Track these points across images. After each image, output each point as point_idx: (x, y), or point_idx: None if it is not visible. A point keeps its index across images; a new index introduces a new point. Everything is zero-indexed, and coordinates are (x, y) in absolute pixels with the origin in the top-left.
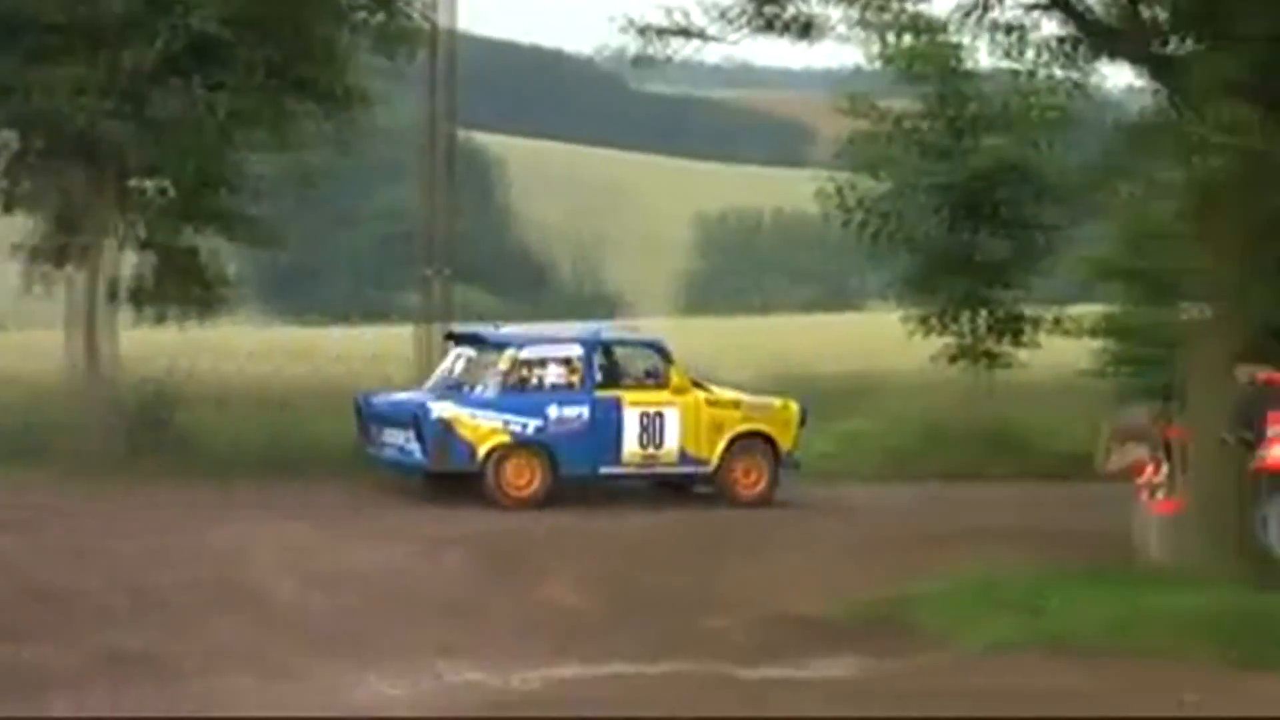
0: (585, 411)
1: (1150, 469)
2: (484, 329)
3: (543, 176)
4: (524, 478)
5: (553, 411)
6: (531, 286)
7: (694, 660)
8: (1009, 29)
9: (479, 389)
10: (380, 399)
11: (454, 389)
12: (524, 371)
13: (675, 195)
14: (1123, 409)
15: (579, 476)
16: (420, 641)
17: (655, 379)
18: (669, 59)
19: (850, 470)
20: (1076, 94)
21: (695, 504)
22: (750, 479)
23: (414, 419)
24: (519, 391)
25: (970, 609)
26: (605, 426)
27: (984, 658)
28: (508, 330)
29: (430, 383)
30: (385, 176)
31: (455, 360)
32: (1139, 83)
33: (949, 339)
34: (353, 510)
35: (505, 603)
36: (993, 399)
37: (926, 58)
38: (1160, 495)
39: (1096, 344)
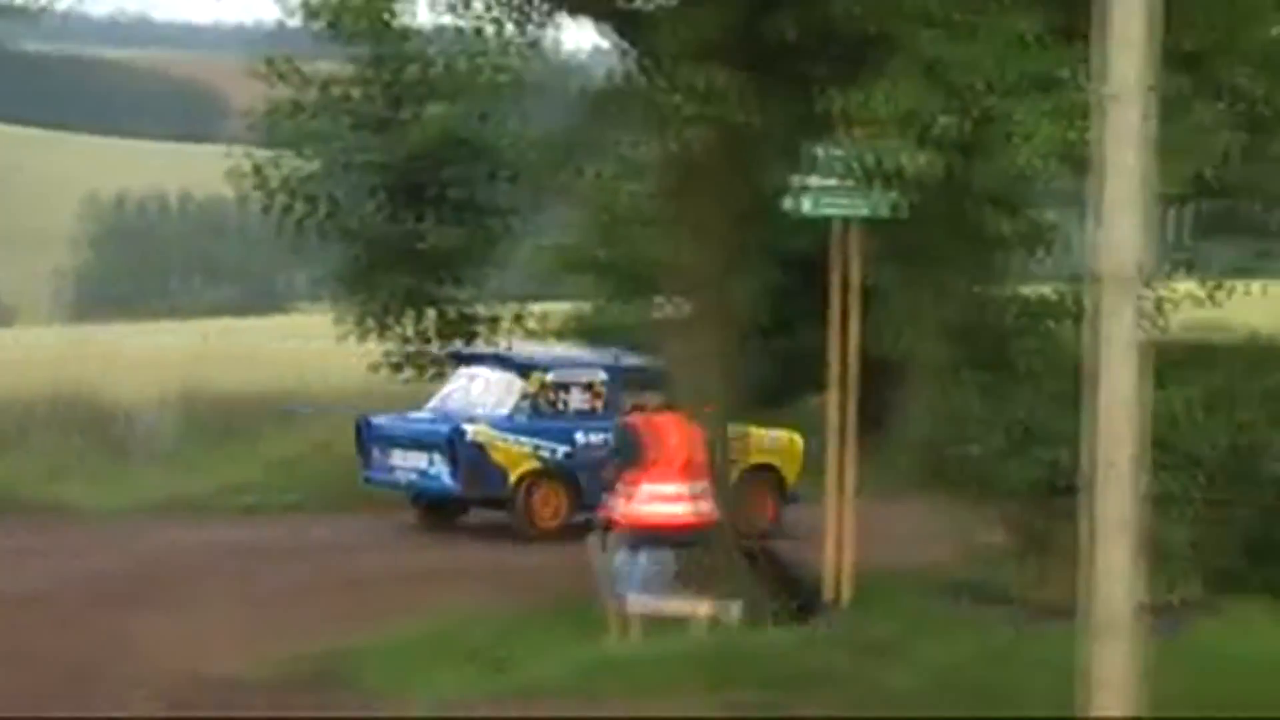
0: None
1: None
2: (500, 349)
3: None
4: (551, 506)
5: (580, 438)
6: None
7: None
8: None
9: (508, 413)
10: (389, 420)
11: (473, 411)
12: (551, 395)
13: (60, 176)
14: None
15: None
16: None
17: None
18: (45, 9)
19: (279, 502)
20: (532, 56)
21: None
22: (759, 512)
23: (449, 442)
24: (548, 416)
25: (425, 660)
26: None
27: (435, 718)
28: (523, 351)
29: (436, 404)
30: None
31: (470, 382)
32: (605, 44)
33: (391, 344)
34: None
35: None
36: None
37: (357, 12)
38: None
39: (564, 348)
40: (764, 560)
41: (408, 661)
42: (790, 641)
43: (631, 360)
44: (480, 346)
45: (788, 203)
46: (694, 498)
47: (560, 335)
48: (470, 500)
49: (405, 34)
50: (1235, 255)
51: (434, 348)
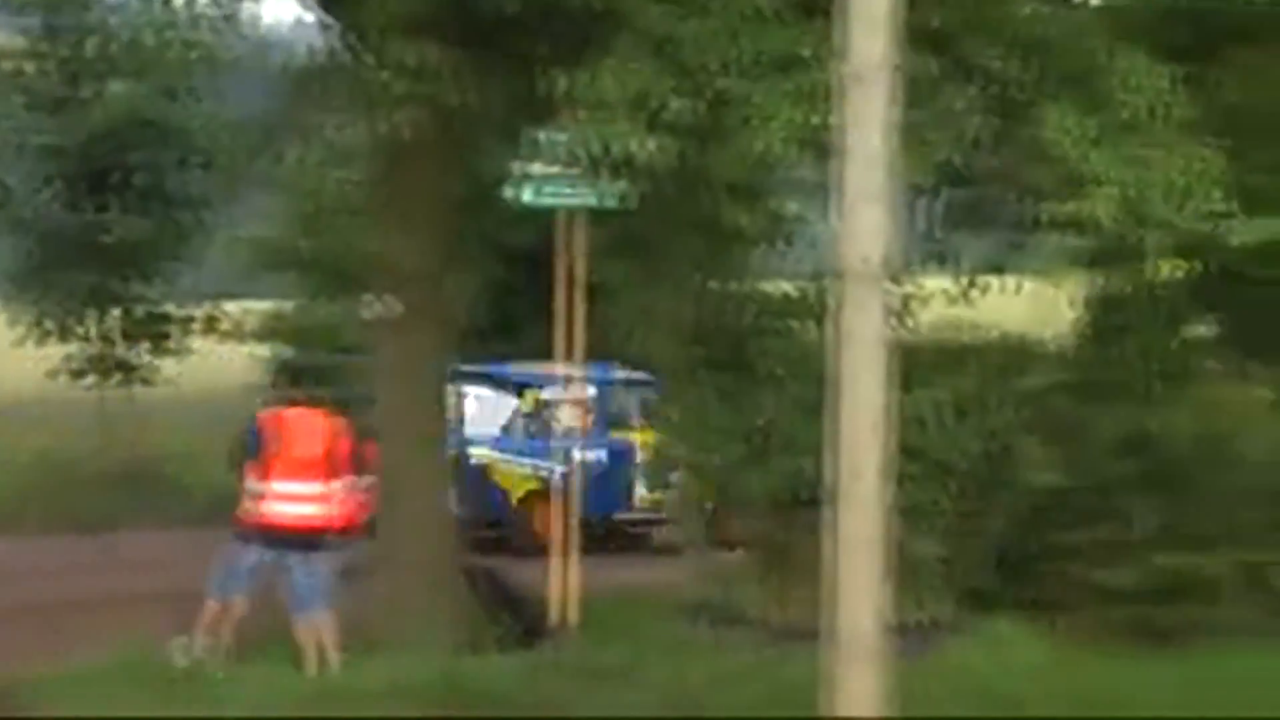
0: (604, 455)
1: None
2: (489, 368)
3: None
4: (549, 522)
5: (576, 455)
6: None
7: None
8: None
9: (504, 433)
10: None
11: (470, 432)
12: (545, 413)
13: None
14: None
15: (596, 523)
16: None
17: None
18: None
19: None
20: (227, 30)
21: None
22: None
23: (451, 465)
24: (544, 435)
25: (115, 691)
26: (620, 470)
27: None
28: (514, 369)
29: None
30: None
31: (458, 401)
32: (307, 17)
33: (72, 347)
34: None
35: None
36: (135, 424)
37: None
38: None
39: (264, 349)
40: (485, 581)
41: (93, 691)
42: (514, 667)
43: (620, 375)
44: (468, 365)
45: (508, 191)
46: (321, 498)
47: (260, 337)
48: (470, 522)
49: (85, 3)
50: (988, 249)
51: (119, 350)
